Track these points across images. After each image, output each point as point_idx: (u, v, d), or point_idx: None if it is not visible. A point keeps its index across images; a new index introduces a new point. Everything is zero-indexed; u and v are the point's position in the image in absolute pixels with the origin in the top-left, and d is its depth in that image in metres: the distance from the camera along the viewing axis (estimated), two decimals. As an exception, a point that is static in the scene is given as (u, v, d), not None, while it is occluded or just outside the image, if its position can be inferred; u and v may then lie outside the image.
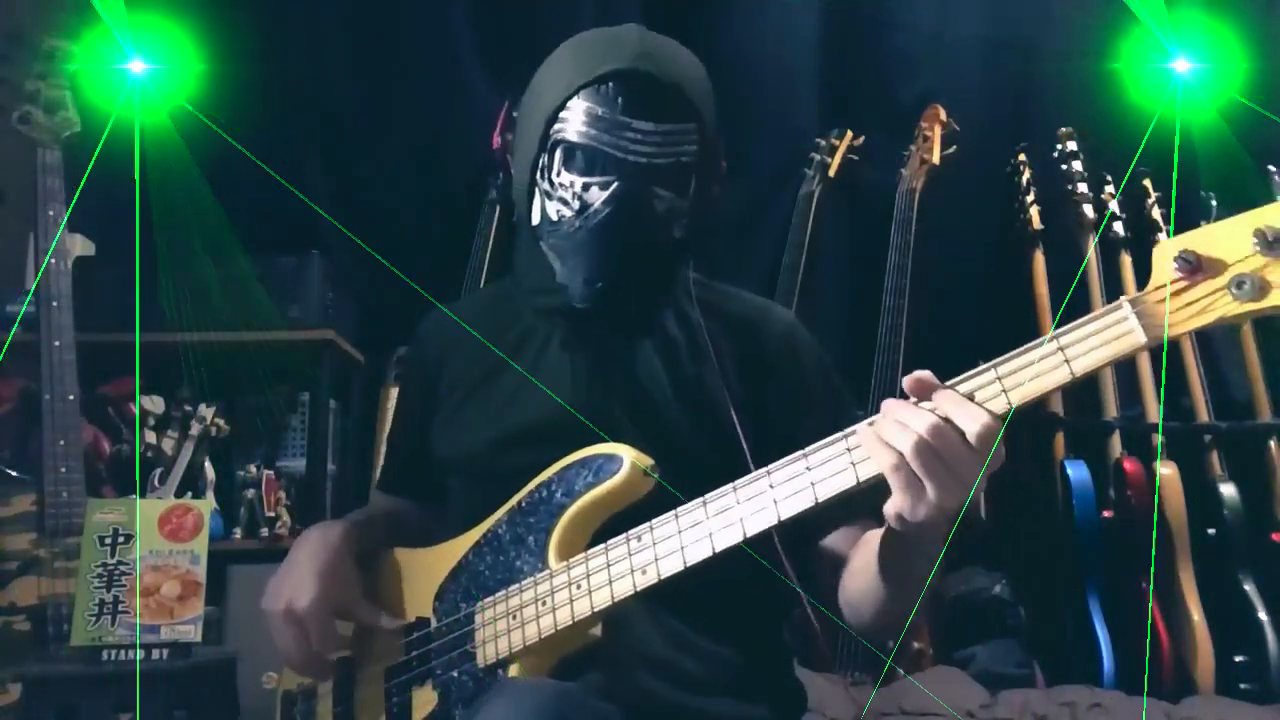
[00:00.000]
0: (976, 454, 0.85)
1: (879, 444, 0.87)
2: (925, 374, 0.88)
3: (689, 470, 1.06)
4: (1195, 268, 0.79)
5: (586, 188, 1.13)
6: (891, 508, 0.88)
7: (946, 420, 0.85)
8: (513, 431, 1.17)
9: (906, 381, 0.88)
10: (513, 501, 1.10)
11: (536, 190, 1.17)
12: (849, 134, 2.73)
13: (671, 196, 1.14)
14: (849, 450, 0.90)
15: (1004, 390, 0.85)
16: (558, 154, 1.14)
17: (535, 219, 1.18)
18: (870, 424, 0.89)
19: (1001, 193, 2.71)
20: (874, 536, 1.03)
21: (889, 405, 0.89)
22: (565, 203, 1.14)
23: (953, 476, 0.85)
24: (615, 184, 1.12)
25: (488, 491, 1.13)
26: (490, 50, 2.86)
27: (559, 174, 1.14)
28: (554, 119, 1.14)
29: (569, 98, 1.13)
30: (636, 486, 1.03)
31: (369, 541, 1.24)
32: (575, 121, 1.12)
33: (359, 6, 2.93)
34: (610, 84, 1.12)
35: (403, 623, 1.14)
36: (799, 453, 0.93)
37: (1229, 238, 0.79)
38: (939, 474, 0.85)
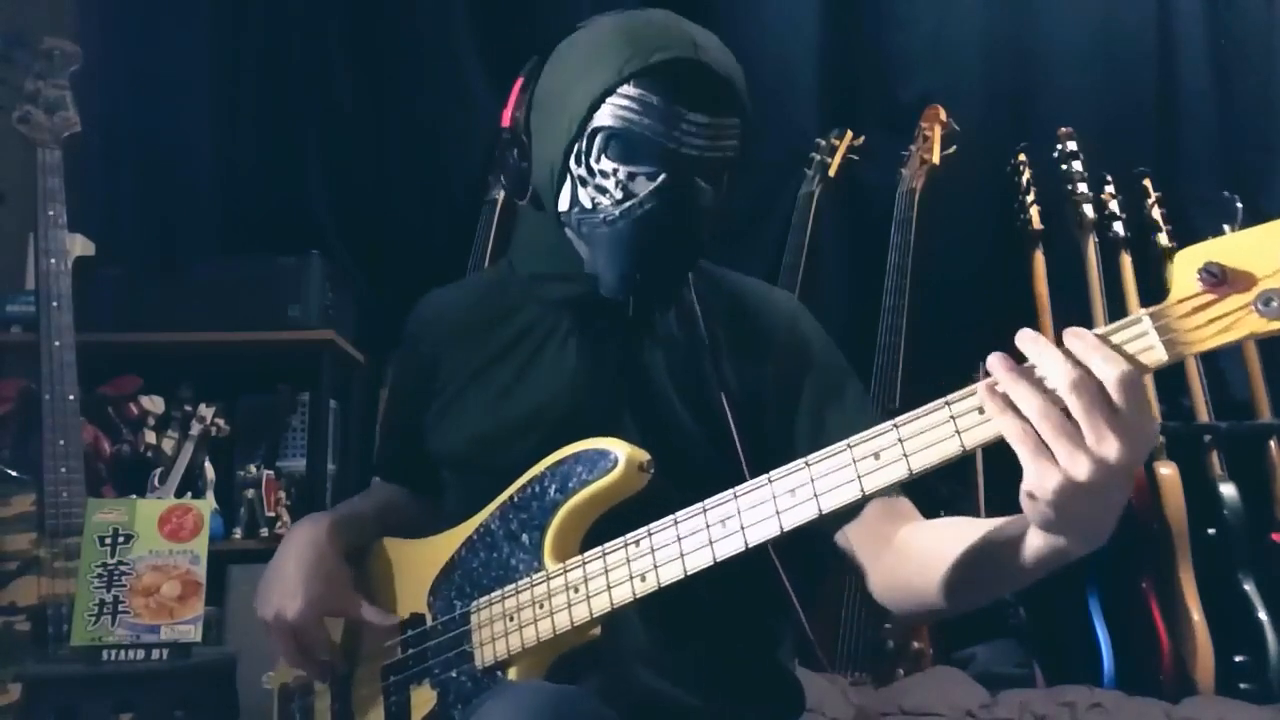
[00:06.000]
0: (1120, 415, 0.72)
1: (1002, 407, 0.75)
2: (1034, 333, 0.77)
3: (688, 465, 1.05)
4: (1220, 280, 0.72)
5: (632, 177, 1.08)
6: (1023, 488, 0.77)
7: (1083, 367, 0.73)
8: (509, 424, 1.15)
9: (1021, 338, 0.76)
10: (504, 496, 1.08)
11: (569, 176, 1.11)
12: (849, 134, 2.74)
13: (711, 191, 1.10)
14: (854, 462, 0.85)
15: None
16: (598, 139, 1.08)
17: (564, 205, 1.13)
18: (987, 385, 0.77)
19: (1001, 193, 2.71)
20: (978, 529, 0.93)
21: (1009, 362, 0.76)
22: (604, 190, 1.09)
23: (1086, 443, 0.72)
24: (663, 176, 1.07)
25: (482, 485, 1.11)
26: (490, 50, 2.86)
27: (599, 160, 1.09)
28: (598, 104, 1.07)
29: (619, 83, 1.06)
30: (632, 482, 1.00)
31: (358, 536, 1.23)
32: (624, 108, 1.06)
33: (359, 5, 2.93)
34: (666, 72, 1.06)
35: (395, 619, 1.13)
36: (800, 460, 0.89)
37: (1257, 249, 0.71)
38: (1071, 439, 0.73)
